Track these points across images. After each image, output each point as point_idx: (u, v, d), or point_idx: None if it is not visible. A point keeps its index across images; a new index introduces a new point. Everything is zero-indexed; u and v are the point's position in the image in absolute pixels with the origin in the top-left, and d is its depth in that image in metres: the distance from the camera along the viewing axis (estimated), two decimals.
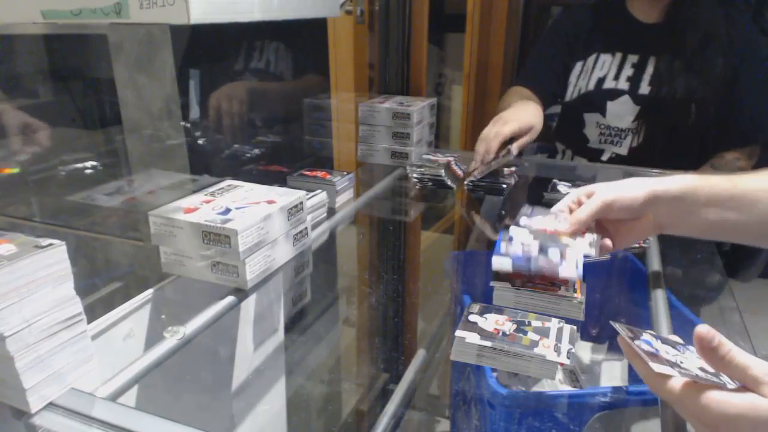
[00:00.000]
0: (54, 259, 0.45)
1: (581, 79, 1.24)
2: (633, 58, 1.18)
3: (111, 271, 0.95)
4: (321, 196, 0.83)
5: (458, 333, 0.58)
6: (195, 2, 0.47)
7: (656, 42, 1.15)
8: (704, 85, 1.10)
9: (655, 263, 0.77)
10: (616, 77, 1.19)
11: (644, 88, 1.16)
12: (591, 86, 1.21)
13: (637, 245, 0.82)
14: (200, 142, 1.16)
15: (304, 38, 1.30)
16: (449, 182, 1.06)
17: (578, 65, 1.25)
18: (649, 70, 1.16)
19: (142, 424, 0.44)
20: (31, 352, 0.44)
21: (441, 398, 1.66)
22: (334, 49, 1.23)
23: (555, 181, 1.06)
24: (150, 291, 0.66)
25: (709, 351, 0.43)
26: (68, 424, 0.45)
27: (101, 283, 0.93)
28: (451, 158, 1.13)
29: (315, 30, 1.25)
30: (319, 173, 0.94)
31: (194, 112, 1.15)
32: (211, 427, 0.50)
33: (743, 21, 1.13)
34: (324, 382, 1.39)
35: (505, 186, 1.02)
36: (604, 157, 1.22)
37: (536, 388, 0.97)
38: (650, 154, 1.16)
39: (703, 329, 0.43)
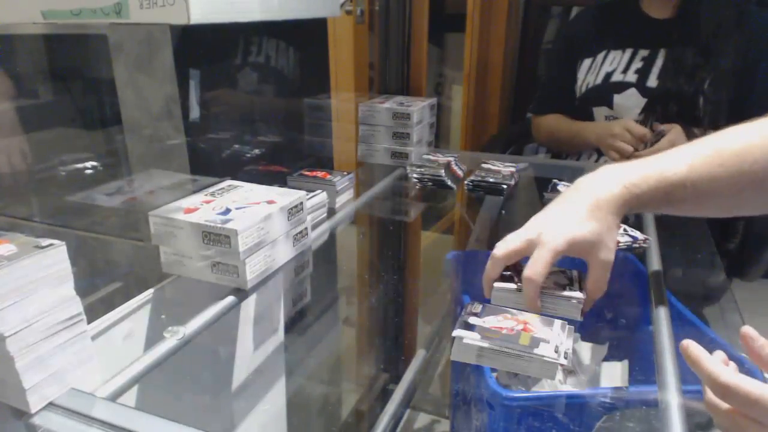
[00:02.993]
0: (54, 260, 0.45)
1: (590, 74, 1.24)
2: (643, 53, 1.19)
3: (111, 271, 0.95)
4: (321, 196, 0.83)
5: (457, 333, 0.58)
6: (195, 2, 0.47)
7: (668, 36, 1.16)
8: (714, 78, 1.10)
9: (655, 263, 0.77)
10: (625, 71, 1.19)
11: (652, 81, 1.16)
12: (599, 80, 1.22)
13: (637, 245, 0.82)
14: (200, 142, 1.16)
15: (304, 38, 1.30)
16: (449, 182, 1.06)
17: (587, 62, 1.25)
18: (659, 63, 1.16)
19: (142, 424, 0.44)
20: (31, 352, 0.44)
21: (441, 398, 1.67)
22: (334, 49, 1.23)
23: (555, 181, 1.06)
24: (150, 291, 0.66)
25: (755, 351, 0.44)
26: (68, 424, 0.45)
27: (101, 283, 0.93)
28: (451, 158, 1.12)
29: (315, 30, 1.25)
30: (319, 173, 0.94)
31: (194, 112, 1.15)
32: (211, 427, 0.51)
33: (759, 14, 1.13)
34: (324, 382, 1.39)
35: (505, 186, 1.02)
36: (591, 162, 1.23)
37: (536, 388, 0.97)
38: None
39: (748, 330, 0.45)
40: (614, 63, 1.21)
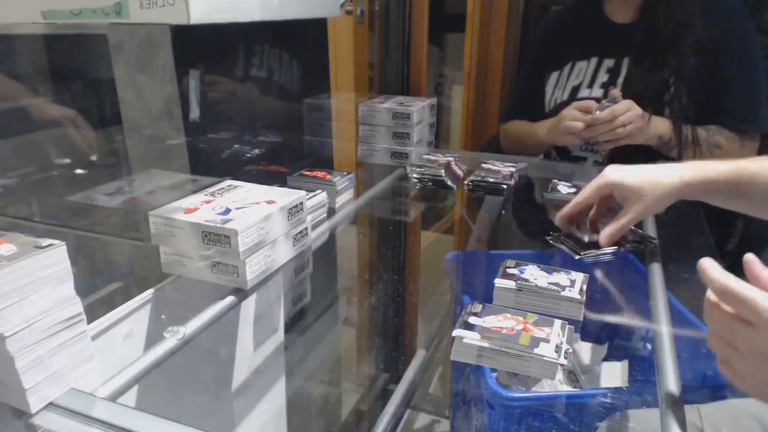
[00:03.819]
0: (54, 259, 0.45)
1: (557, 90, 1.22)
2: (609, 63, 1.15)
3: (111, 271, 0.95)
4: (321, 196, 0.83)
5: (457, 333, 0.58)
6: (195, 2, 0.47)
7: (631, 42, 1.12)
8: (678, 82, 1.07)
9: (655, 263, 0.77)
10: (591, 84, 1.17)
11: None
12: (566, 96, 1.19)
13: (643, 246, 0.82)
14: (200, 142, 1.16)
15: (304, 38, 1.30)
16: (449, 182, 1.06)
17: (554, 75, 1.23)
18: (623, 74, 1.13)
19: (142, 424, 0.44)
20: (31, 352, 0.44)
21: (441, 398, 1.67)
22: (334, 49, 1.23)
23: (555, 181, 1.06)
24: (150, 291, 0.66)
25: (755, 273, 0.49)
26: (68, 424, 0.45)
27: (101, 283, 0.93)
28: (451, 158, 1.13)
29: (315, 30, 1.25)
30: (319, 173, 0.94)
31: (194, 112, 1.15)
32: (211, 427, 0.50)
33: (724, 13, 1.09)
34: (324, 382, 1.39)
35: (505, 186, 1.02)
36: (588, 165, 1.20)
37: (536, 389, 0.97)
38: (628, 160, 1.13)
39: (750, 255, 0.50)
40: (580, 76, 1.18)
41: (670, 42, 1.07)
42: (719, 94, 1.09)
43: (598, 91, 1.15)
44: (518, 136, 1.28)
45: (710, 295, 0.50)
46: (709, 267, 0.50)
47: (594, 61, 1.17)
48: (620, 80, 1.13)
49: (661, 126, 1.07)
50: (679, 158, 1.09)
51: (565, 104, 1.17)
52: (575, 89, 1.18)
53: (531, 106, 1.27)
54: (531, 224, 1.31)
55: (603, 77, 1.16)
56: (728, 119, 1.10)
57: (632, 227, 0.84)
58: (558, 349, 0.56)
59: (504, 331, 0.58)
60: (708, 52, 1.06)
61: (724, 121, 1.10)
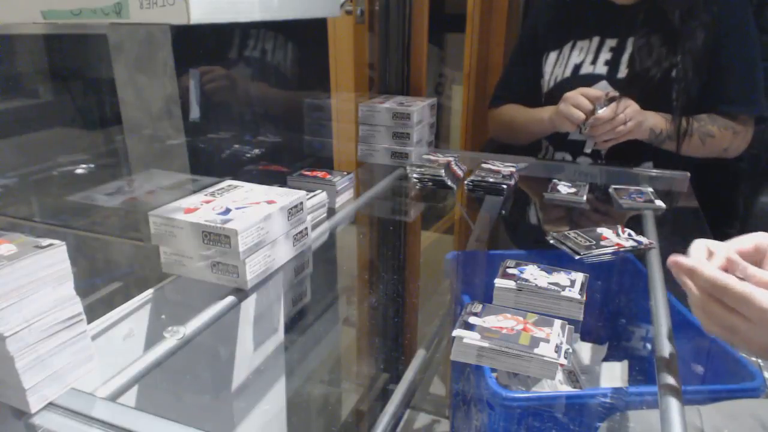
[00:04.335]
0: (54, 259, 0.45)
1: (557, 68, 1.19)
2: (611, 42, 1.14)
3: (111, 271, 0.95)
4: (321, 196, 0.83)
5: (457, 333, 0.58)
6: (195, 2, 0.47)
7: (634, 24, 1.11)
8: (684, 62, 1.07)
9: (655, 263, 0.77)
10: (594, 62, 1.15)
11: (623, 72, 1.12)
12: (567, 73, 1.17)
13: (642, 247, 0.82)
14: (200, 142, 1.16)
15: (304, 38, 1.30)
16: (449, 182, 1.06)
17: (553, 55, 1.21)
18: (628, 53, 1.12)
19: (142, 424, 0.44)
20: (31, 352, 0.44)
21: (441, 398, 1.67)
22: (334, 49, 1.23)
23: (555, 180, 1.06)
24: (150, 291, 0.66)
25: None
26: (68, 424, 0.45)
27: (101, 283, 0.94)
28: (451, 158, 1.13)
29: (315, 30, 1.25)
30: (319, 173, 0.94)
31: (194, 112, 1.15)
32: (211, 427, 0.50)
33: None
34: (324, 382, 1.39)
35: (505, 186, 1.02)
36: (587, 149, 1.15)
37: (536, 389, 0.97)
38: (633, 144, 1.10)
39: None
40: (582, 54, 1.16)
41: (672, 23, 1.07)
42: (717, 76, 1.09)
43: (601, 68, 1.14)
44: (516, 121, 1.26)
45: (696, 298, 0.49)
46: (696, 266, 0.48)
47: (596, 40, 1.16)
48: (624, 58, 1.12)
49: (653, 119, 1.07)
50: (673, 149, 1.09)
51: (567, 81, 1.16)
52: (577, 67, 1.16)
53: (526, 88, 1.25)
54: (522, 233, 1.30)
55: (606, 55, 1.14)
56: (725, 104, 1.10)
57: (630, 231, 0.84)
58: (558, 349, 0.56)
59: (504, 331, 0.58)
60: (710, 33, 1.06)
61: (720, 108, 1.10)
